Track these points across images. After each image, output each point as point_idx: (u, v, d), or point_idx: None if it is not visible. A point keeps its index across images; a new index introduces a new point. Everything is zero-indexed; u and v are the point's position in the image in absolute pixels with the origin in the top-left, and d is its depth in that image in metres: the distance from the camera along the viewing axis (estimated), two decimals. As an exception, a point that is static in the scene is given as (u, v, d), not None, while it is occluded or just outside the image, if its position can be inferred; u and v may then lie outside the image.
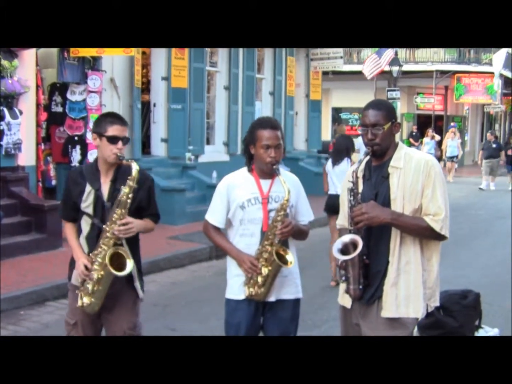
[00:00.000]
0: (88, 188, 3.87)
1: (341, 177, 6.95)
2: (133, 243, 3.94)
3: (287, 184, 3.72)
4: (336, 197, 6.38)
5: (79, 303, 3.82)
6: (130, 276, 3.87)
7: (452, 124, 27.52)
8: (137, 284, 3.96)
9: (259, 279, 3.71)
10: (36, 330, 6.25)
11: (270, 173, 3.81)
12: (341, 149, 8.33)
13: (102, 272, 3.74)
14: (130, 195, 3.73)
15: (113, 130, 3.80)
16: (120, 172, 3.87)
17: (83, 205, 3.87)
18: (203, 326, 6.34)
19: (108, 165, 3.87)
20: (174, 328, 6.34)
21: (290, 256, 3.75)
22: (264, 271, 3.70)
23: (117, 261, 3.74)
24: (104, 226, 3.77)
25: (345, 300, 3.57)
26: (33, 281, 7.46)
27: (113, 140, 3.79)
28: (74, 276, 3.96)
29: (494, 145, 20.99)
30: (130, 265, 3.73)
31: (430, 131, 24.35)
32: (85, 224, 3.91)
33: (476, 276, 8.59)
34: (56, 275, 7.54)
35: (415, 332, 4.67)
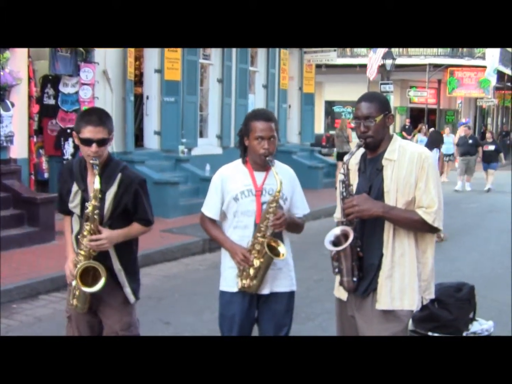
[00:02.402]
0: (74, 188, 3.73)
1: None
2: (122, 247, 3.80)
3: (279, 176, 3.70)
4: None
5: (71, 301, 3.76)
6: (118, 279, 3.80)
7: (465, 120, 26.07)
8: (127, 290, 3.83)
9: (251, 271, 3.69)
10: (29, 324, 6.22)
11: (263, 165, 3.79)
12: (433, 141, 10.78)
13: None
14: (96, 211, 3.59)
15: (86, 131, 3.59)
16: (106, 172, 3.69)
17: (71, 205, 3.75)
18: (197, 319, 6.32)
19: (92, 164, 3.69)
20: (168, 321, 6.32)
21: (283, 248, 3.73)
22: (256, 263, 3.68)
23: (95, 271, 3.63)
24: (79, 236, 3.67)
25: (341, 293, 3.56)
26: (25, 274, 7.42)
27: (86, 142, 3.60)
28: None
29: (470, 141, 18.29)
30: (102, 281, 3.61)
31: (423, 127, 22.57)
32: (75, 222, 3.81)
33: (469, 270, 8.61)
34: (49, 268, 7.51)
35: (410, 325, 4.67)
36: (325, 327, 5.95)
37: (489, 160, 18.49)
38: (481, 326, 5.07)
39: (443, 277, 6.46)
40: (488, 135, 20.03)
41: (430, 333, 4.58)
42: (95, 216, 3.61)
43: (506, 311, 6.65)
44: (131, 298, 3.87)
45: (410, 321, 4.66)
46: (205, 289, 7.27)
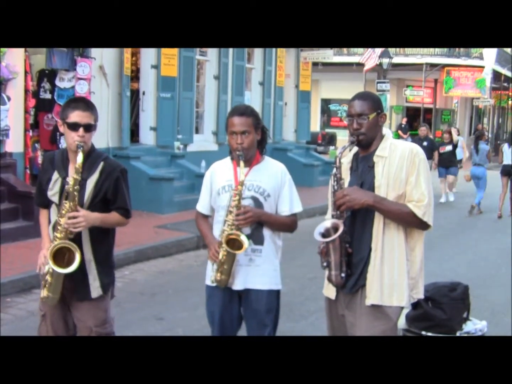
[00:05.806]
0: (55, 176, 3.73)
1: None
2: (97, 236, 3.77)
3: (244, 170, 3.69)
4: (508, 166, 13.15)
5: (41, 294, 3.72)
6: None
7: None
8: (93, 283, 3.74)
9: (219, 266, 3.71)
10: (22, 318, 6.23)
11: (238, 159, 3.75)
12: None
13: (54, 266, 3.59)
14: (76, 187, 3.57)
15: (74, 116, 3.62)
16: (89, 161, 3.68)
17: (49, 193, 3.73)
18: (191, 315, 6.33)
19: (75, 153, 3.66)
20: (161, 317, 6.33)
21: (245, 241, 3.63)
22: (221, 257, 3.68)
23: (69, 256, 3.57)
24: (56, 218, 3.65)
25: (330, 291, 3.57)
26: (19, 268, 7.42)
27: (73, 126, 3.62)
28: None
29: (425, 143, 15.07)
30: (77, 261, 3.53)
31: (452, 129, 16.92)
32: (53, 213, 3.77)
33: (463, 269, 8.63)
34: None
35: (403, 324, 4.67)
36: (318, 325, 5.96)
37: (447, 164, 15.37)
38: (474, 326, 5.07)
39: (437, 277, 6.46)
40: (445, 135, 16.06)
41: (423, 332, 4.58)
42: (75, 193, 3.58)
43: (498, 311, 6.69)
44: (99, 291, 3.76)
45: (404, 320, 4.66)
46: (199, 285, 7.20)
